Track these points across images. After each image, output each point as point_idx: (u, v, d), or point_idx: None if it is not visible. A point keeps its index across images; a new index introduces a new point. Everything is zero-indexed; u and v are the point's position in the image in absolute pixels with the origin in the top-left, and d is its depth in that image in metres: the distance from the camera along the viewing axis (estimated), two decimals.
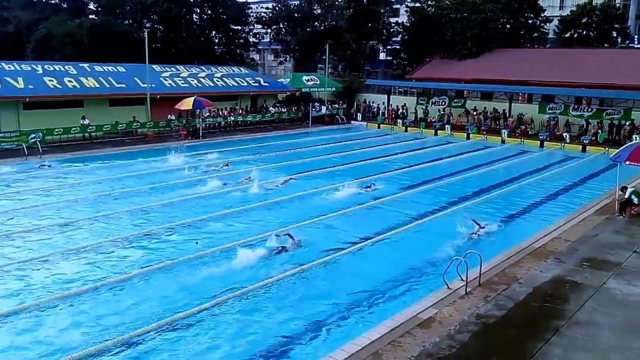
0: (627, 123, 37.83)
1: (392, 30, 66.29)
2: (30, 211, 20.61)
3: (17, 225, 18.99)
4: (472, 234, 18.33)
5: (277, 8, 65.24)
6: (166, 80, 43.65)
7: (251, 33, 67.25)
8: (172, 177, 26.61)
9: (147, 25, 47.79)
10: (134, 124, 38.32)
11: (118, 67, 42.63)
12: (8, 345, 11.38)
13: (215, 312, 12.80)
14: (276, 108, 48.66)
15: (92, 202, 22.19)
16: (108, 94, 39.32)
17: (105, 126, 36.89)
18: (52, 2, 66.80)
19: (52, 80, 37.31)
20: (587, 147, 37.34)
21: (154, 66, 43.84)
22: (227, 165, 29.18)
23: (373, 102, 51.77)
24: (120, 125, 37.66)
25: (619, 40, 59.47)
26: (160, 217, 20.32)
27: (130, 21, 58.64)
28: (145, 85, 39.79)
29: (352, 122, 49.77)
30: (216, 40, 64.60)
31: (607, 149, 35.16)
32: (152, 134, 38.55)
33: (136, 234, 18.30)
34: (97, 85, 39.09)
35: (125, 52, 48.82)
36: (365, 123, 48.86)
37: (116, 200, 22.60)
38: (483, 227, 18.81)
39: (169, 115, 40.33)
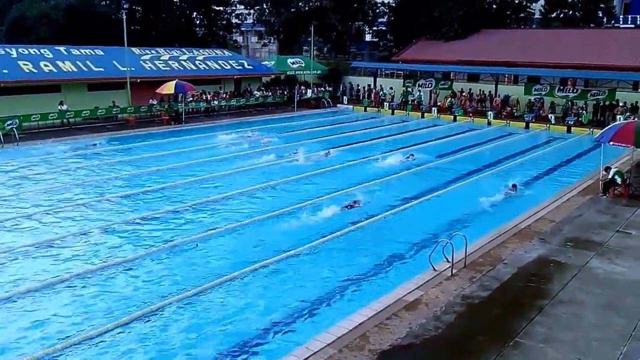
0: (622, 104, 37.86)
1: (377, 10, 65.89)
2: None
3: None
4: None
5: None
6: (146, 63, 42.83)
7: (233, 14, 66.32)
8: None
9: (125, 6, 46.72)
10: (114, 109, 37.58)
11: (96, 50, 41.62)
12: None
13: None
14: (261, 92, 48.15)
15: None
16: (86, 78, 38.39)
17: (84, 111, 36.09)
18: None
19: (27, 65, 36.19)
20: (572, 128, 37.38)
21: (134, 49, 43.03)
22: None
23: (358, 86, 51.45)
24: (100, 111, 36.86)
25: (605, 20, 59.49)
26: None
27: (108, 1, 57.53)
28: (125, 69, 38.94)
29: (338, 105, 49.45)
30: (197, 22, 63.67)
31: (591, 129, 35.22)
32: (133, 119, 37.88)
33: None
34: (75, 69, 38.16)
35: (103, 34, 48.06)
36: (352, 106, 48.59)
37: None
38: None
39: (150, 100, 39.72)
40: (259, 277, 13.83)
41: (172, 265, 14.51)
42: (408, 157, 27.54)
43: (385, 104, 46.77)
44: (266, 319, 11.76)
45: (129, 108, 38.38)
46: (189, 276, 13.78)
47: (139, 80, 39.91)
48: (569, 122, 37.80)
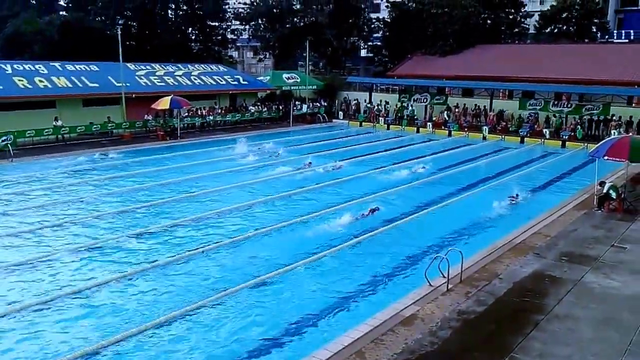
0: (616, 118, 38.06)
1: (372, 26, 66.22)
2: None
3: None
4: None
5: (255, 3, 64.74)
6: (141, 79, 42.87)
7: (229, 29, 66.59)
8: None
9: (120, 21, 46.96)
10: (109, 125, 37.56)
11: (91, 66, 41.62)
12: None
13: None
14: (256, 107, 48.22)
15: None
16: (81, 93, 38.36)
17: (79, 127, 36.09)
18: None
19: (22, 80, 36.18)
20: (567, 142, 37.50)
21: (129, 64, 43.09)
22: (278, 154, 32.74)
23: (356, 100, 51.54)
24: (94, 126, 36.85)
25: (599, 35, 59.96)
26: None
27: (103, 17, 57.61)
28: (120, 85, 38.94)
29: (333, 120, 49.52)
30: (193, 37, 63.90)
31: (586, 144, 35.34)
32: (129, 134, 37.82)
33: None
34: (70, 85, 38.12)
35: (98, 49, 48.07)
36: (347, 121, 48.66)
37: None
38: None
39: (146, 115, 39.70)
40: (253, 293, 13.75)
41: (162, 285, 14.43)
42: (422, 168, 28.80)
43: (381, 119, 46.87)
44: (262, 335, 11.71)
45: (124, 123, 38.35)
46: (169, 299, 13.71)
47: (134, 95, 39.92)
48: (564, 137, 37.91)
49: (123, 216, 20.25)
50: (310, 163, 29.36)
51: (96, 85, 39.37)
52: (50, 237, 17.85)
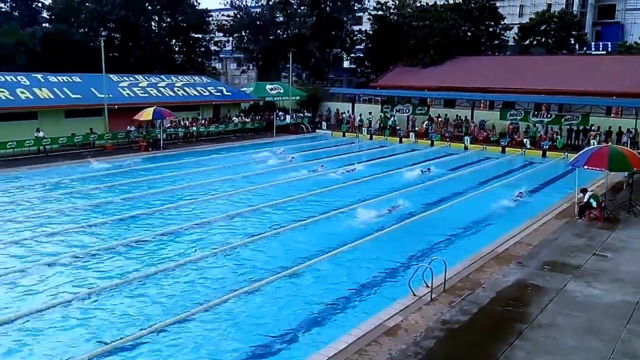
0: (594, 128, 38.54)
1: (355, 38, 66.64)
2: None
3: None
4: None
5: (238, 16, 64.94)
6: (124, 90, 42.73)
7: (212, 41, 66.65)
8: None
9: (104, 33, 46.86)
10: (91, 136, 37.34)
11: (73, 77, 41.47)
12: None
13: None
14: (240, 118, 48.26)
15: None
16: (63, 105, 38.16)
17: (61, 138, 35.81)
18: (3, 10, 65.16)
19: (3, 92, 35.80)
20: (547, 152, 37.90)
21: (112, 76, 42.95)
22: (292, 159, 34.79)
23: (340, 110, 51.74)
24: (76, 138, 36.60)
25: (577, 47, 60.90)
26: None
27: (86, 29, 57.37)
28: (103, 96, 38.74)
29: (317, 130, 49.67)
30: (176, 49, 63.80)
31: (566, 154, 35.73)
32: (111, 146, 37.60)
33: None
34: (52, 96, 37.91)
35: (81, 61, 47.97)
36: (331, 132, 48.82)
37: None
38: None
39: (128, 127, 39.55)
40: (238, 304, 13.71)
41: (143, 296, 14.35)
42: (426, 170, 30.59)
43: (364, 129, 47.09)
44: (244, 348, 11.63)
45: (106, 135, 38.14)
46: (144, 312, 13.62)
47: (116, 106, 39.74)
48: (544, 147, 38.32)
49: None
50: (293, 158, 33.32)
51: (79, 96, 39.18)
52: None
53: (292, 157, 34.99)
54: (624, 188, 25.41)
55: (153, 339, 11.94)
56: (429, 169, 31.22)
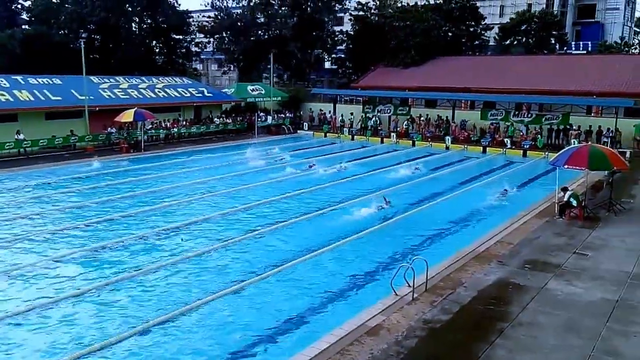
0: (575, 127, 38.91)
1: (336, 38, 66.71)
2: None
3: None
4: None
5: (219, 17, 64.71)
6: (105, 91, 42.47)
7: (193, 42, 66.33)
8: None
9: (84, 35, 46.51)
10: (72, 138, 37.02)
11: (54, 79, 41.19)
12: None
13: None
14: (221, 119, 48.10)
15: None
16: (44, 107, 37.88)
17: (42, 141, 35.51)
18: None
19: None
20: (528, 151, 38.16)
21: (92, 77, 42.63)
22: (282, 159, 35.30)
23: (322, 110, 51.75)
24: (57, 140, 36.31)
25: (557, 46, 61.47)
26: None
27: (66, 31, 56.89)
28: (83, 98, 38.49)
29: (298, 131, 49.64)
30: (157, 50, 63.39)
31: (547, 153, 36.00)
32: (91, 147, 37.32)
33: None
34: (32, 98, 37.59)
35: (61, 63, 47.61)
36: (312, 132, 48.81)
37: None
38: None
39: (109, 128, 39.26)
40: (218, 305, 13.65)
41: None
42: (415, 169, 31.32)
43: (345, 129, 47.14)
44: (225, 350, 11.58)
45: (87, 136, 37.81)
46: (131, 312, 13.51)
47: (97, 108, 39.49)
48: (525, 146, 38.59)
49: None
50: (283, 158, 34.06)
51: (59, 98, 38.89)
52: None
53: (282, 157, 35.43)
54: (604, 187, 25.69)
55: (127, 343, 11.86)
56: (417, 168, 31.75)
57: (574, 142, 35.65)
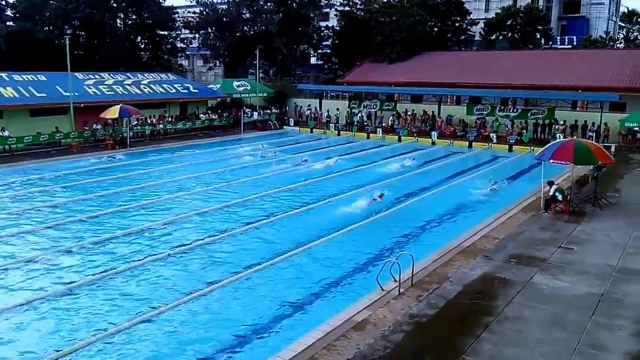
0: (561, 122, 39.15)
1: (322, 34, 66.62)
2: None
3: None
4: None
5: (204, 12, 64.40)
6: (90, 88, 42.16)
7: (178, 38, 65.96)
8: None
9: (69, 31, 46.18)
10: (57, 135, 36.72)
11: (38, 76, 40.84)
12: None
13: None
14: (207, 115, 47.90)
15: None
16: (28, 104, 37.52)
17: (27, 137, 35.18)
18: None
19: None
20: (514, 146, 38.33)
21: (77, 74, 42.31)
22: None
23: (309, 106, 51.69)
24: (42, 136, 35.99)
25: (543, 41, 61.76)
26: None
27: (51, 27, 56.42)
28: (68, 94, 38.16)
29: (284, 127, 49.54)
30: (142, 46, 62.98)
31: (532, 148, 36.18)
32: (77, 144, 37.05)
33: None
34: (17, 95, 37.22)
35: (46, 59, 47.23)
36: (298, 128, 48.73)
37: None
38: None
39: (94, 125, 38.98)
40: (205, 301, 13.62)
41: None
42: (404, 163, 31.86)
43: (331, 125, 47.12)
44: (212, 345, 11.58)
45: (72, 133, 37.51)
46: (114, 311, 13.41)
47: (82, 105, 39.18)
48: (511, 141, 38.75)
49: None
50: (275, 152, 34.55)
51: (44, 95, 38.54)
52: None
53: (274, 151, 36.02)
54: (590, 181, 25.82)
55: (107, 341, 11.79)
56: (404, 163, 32.05)
57: (559, 136, 35.82)
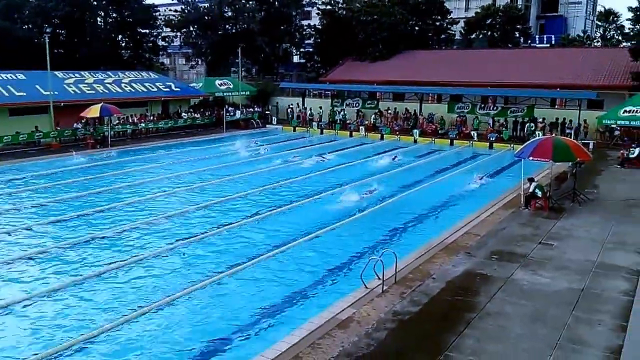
0: (540, 120, 39.54)
1: (304, 33, 66.65)
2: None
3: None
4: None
5: (186, 11, 64.06)
6: (70, 87, 41.78)
7: (160, 37, 65.53)
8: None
9: (48, 29, 45.63)
10: (37, 134, 36.37)
11: (17, 75, 40.38)
12: None
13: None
14: (189, 113, 47.70)
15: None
16: (7, 103, 37.05)
17: (5, 137, 34.77)
18: None
19: None
20: (494, 144, 38.67)
21: (57, 73, 41.87)
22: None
23: (291, 105, 51.69)
24: (21, 136, 35.62)
25: (522, 40, 62.42)
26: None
27: (30, 26, 55.76)
28: (48, 93, 37.80)
29: (267, 125, 49.49)
30: (123, 45, 62.44)
31: (512, 145, 36.54)
32: (57, 144, 36.67)
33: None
34: None
35: (25, 58, 46.74)
36: (281, 126, 48.71)
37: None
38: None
39: (75, 124, 38.65)
40: (190, 301, 13.63)
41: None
42: (393, 158, 32.99)
43: (314, 123, 47.19)
44: (196, 344, 11.60)
45: (52, 132, 37.15)
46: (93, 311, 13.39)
47: (62, 104, 38.85)
48: (491, 139, 39.10)
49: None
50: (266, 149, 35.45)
51: (23, 94, 38.12)
52: None
53: (265, 148, 36.85)
54: (569, 178, 26.17)
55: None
56: (395, 157, 33.49)
57: (538, 134, 36.22)
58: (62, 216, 21.07)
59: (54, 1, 53.24)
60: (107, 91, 43.43)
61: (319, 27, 64.76)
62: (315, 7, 66.86)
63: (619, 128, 37.21)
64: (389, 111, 46.59)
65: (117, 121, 40.85)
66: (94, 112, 36.17)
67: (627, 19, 47.05)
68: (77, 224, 20.21)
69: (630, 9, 42.84)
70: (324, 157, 33.40)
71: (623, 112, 34.65)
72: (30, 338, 12.04)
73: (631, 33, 45.74)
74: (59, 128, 38.08)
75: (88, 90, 42.53)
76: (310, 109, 49.23)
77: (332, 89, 51.53)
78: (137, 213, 21.68)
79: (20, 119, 37.12)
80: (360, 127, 44.97)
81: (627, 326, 11.75)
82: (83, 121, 38.83)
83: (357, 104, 47.62)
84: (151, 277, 15.30)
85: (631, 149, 31.14)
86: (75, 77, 43.73)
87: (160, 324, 12.51)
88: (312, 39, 66.69)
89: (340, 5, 63.68)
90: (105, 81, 45.00)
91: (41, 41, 43.36)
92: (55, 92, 38.69)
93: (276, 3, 63.50)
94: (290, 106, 51.18)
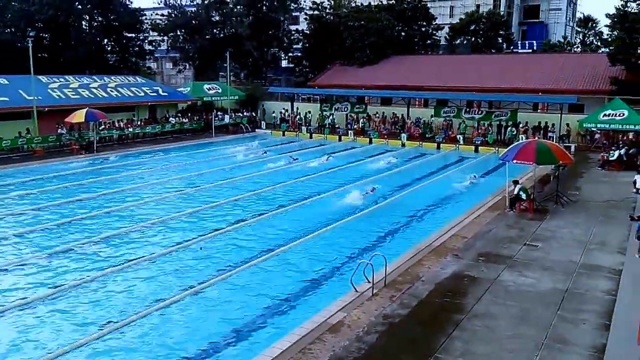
0: (522, 124, 39.96)
1: (292, 37, 66.76)
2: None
3: None
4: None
5: (173, 15, 63.86)
6: (54, 91, 41.44)
7: (146, 41, 65.23)
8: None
9: (32, 33, 45.33)
10: (20, 140, 36.01)
11: (0, 79, 39.92)
12: None
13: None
14: (177, 118, 47.55)
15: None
16: None
17: None
18: None
19: None
20: (479, 147, 39.02)
21: (41, 77, 41.46)
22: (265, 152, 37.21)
23: (280, 110, 51.70)
24: (4, 142, 35.23)
25: (505, 45, 63.11)
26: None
27: (13, 29, 55.16)
28: (31, 98, 37.33)
29: (256, 130, 49.46)
30: (109, 49, 62.03)
31: (497, 149, 36.89)
32: (41, 150, 36.29)
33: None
34: None
35: (8, 62, 46.30)
36: (270, 131, 48.73)
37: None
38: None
39: (60, 129, 38.38)
40: (180, 307, 13.67)
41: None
42: (388, 161, 33.51)
43: (303, 127, 47.29)
44: (187, 351, 11.62)
45: (35, 138, 36.78)
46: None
47: (46, 109, 38.52)
48: (477, 142, 39.46)
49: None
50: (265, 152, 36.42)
51: (6, 99, 37.74)
52: None
53: (265, 152, 37.46)
54: (551, 180, 26.50)
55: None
56: (390, 161, 33.92)
57: (522, 137, 36.58)
58: (39, 225, 20.68)
59: (37, 4, 52.77)
60: (92, 96, 43.16)
61: (307, 32, 64.94)
62: (303, 13, 66.98)
63: (599, 132, 37.69)
64: (377, 115, 46.83)
65: (103, 126, 40.47)
66: (79, 117, 35.83)
67: (605, 25, 47.61)
68: (59, 233, 20.07)
69: (607, 15, 43.45)
70: (293, 157, 34.32)
71: (603, 116, 35.13)
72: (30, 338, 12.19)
73: (609, 39, 46.32)
74: (59, 130, 37.87)
75: (73, 95, 42.22)
76: (299, 113, 49.28)
77: (320, 94, 51.66)
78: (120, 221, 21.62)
79: (3, 125, 36.42)
80: (349, 132, 45.13)
81: (611, 325, 11.98)
82: (67, 127, 38.49)
83: (345, 109, 47.81)
84: (132, 286, 15.16)
85: (611, 152, 31.67)
86: (60, 81, 43.35)
87: (144, 332, 12.47)
88: (301, 44, 66.82)
89: (327, 11, 63.92)
90: (91, 86, 44.68)
91: (24, 45, 43.00)
92: (39, 97, 38.29)
93: (264, 8, 63.53)
94: (276, 112, 51.24)
